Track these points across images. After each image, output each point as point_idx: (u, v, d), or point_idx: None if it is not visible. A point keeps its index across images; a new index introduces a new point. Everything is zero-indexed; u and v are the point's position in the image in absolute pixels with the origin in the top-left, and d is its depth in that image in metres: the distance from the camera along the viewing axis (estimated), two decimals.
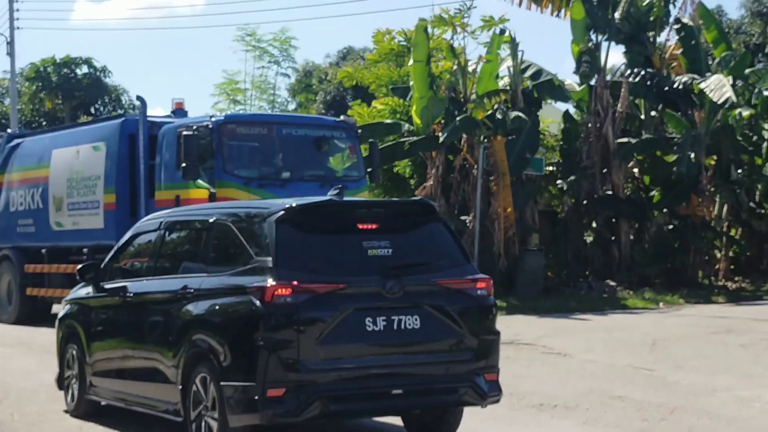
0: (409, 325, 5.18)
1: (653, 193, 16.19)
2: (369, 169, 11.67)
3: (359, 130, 12.28)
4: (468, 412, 5.80)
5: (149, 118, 11.88)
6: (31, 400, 7.42)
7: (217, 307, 5.37)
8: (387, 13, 69.03)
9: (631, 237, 16.31)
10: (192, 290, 5.54)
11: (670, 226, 16.14)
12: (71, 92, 33.45)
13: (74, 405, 6.87)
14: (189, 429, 5.38)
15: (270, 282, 4.92)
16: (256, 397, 4.87)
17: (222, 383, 5.02)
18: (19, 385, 8.08)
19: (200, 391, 5.29)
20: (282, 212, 5.25)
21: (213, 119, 10.87)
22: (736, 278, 16.56)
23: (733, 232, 16.98)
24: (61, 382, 7.10)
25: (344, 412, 5.34)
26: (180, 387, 5.43)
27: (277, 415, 4.88)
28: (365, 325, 5.08)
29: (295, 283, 4.93)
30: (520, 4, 16.66)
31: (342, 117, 12.82)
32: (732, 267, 17.01)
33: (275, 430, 5.51)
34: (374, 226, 5.46)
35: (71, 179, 12.60)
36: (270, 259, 5.07)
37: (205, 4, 79.48)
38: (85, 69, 34.38)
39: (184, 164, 10.44)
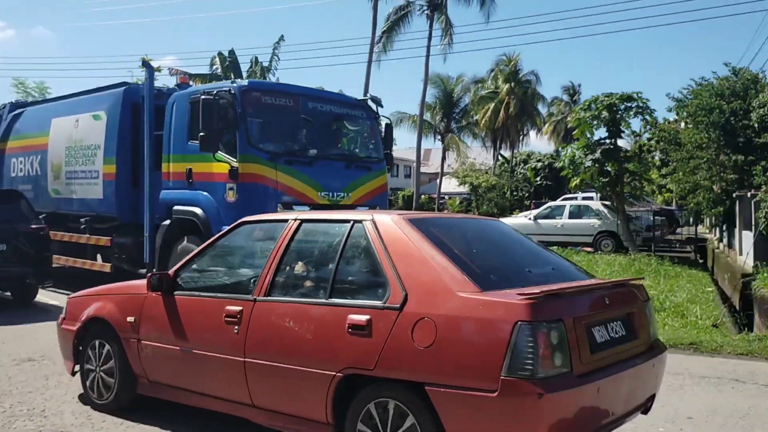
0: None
1: None
2: (387, 151, 10.79)
3: (378, 113, 10.91)
4: None
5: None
6: None
7: None
8: None
9: None
10: None
11: None
12: None
13: None
14: None
15: None
16: None
17: None
18: None
19: None
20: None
21: (235, 84, 9.50)
22: None
23: None
24: None
25: None
26: None
27: None
28: None
29: None
30: None
31: (369, 96, 11.21)
32: None
33: None
34: None
35: (70, 148, 12.07)
36: None
37: None
38: None
39: (202, 134, 9.01)
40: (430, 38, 37.90)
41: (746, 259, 17.95)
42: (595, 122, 22.58)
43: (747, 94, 20.30)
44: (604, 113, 22.20)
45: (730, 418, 5.70)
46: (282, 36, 31.51)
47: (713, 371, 7.45)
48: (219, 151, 9.13)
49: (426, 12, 37.59)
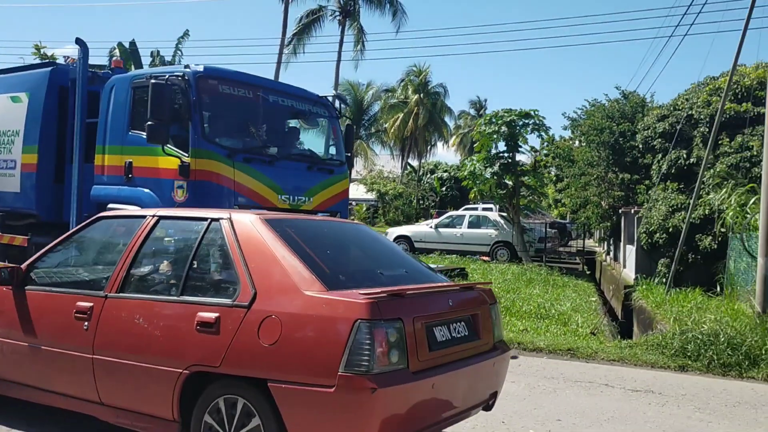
0: None
1: None
2: (347, 154, 10.05)
3: (340, 112, 10.17)
4: None
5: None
6: None
7: None
8: None
9: None
10: None
11: None
12: None
13: None
14: None
15: None
16: None
17: None
18: None
19: None
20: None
21: (189, 69, 8.25)
22: None
23: None
24: None
25: None
26: None
27: None
28: None
29: None
30: None
31: (334, 92, 10.55)
32: None
33: None
34: None
35: None
36: None
37: None
38: None
39: (150, 123, 7.91)
40: (341, 44, 38.12)
41: (628, 272, 18.92)
42: (495, 136, 23.29)
43: (635, 116, 21.53)
44: (504, 128, 22.93)
45: (596, 420, 6.02)
46: (187, 30, 30.49)
47: (586, 376, 7.81)
48: (168, 144, 8.06)
49: (338, 18, 37.78)
